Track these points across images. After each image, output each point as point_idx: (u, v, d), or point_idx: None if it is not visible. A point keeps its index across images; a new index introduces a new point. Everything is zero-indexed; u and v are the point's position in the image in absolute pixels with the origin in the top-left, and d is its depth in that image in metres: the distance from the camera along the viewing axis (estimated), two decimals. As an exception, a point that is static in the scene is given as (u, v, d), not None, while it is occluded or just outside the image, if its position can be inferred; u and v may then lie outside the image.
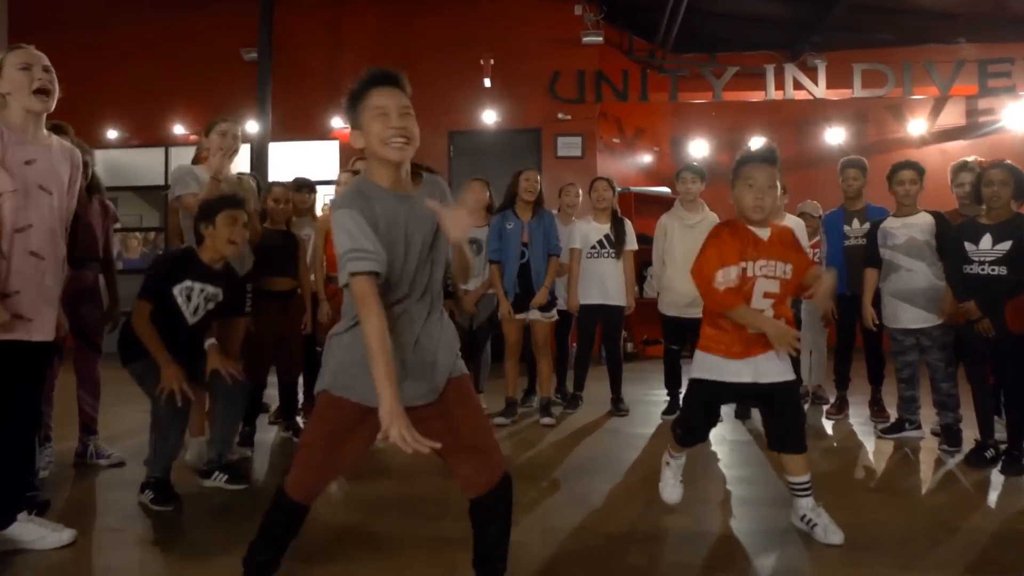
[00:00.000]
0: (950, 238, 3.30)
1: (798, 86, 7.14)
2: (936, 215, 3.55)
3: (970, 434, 3.38)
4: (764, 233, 2.31)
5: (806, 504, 2.37)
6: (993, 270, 3.08)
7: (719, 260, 2.25)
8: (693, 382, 2.42)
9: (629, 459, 3.42)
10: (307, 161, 7.52)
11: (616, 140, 8.11)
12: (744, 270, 2.25)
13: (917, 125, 7.66)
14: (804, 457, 2.35)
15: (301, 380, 3.96)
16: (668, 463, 2.58)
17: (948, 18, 7.16)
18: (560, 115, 7.27)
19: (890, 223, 3.66)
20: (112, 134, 7.96)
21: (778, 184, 2.33)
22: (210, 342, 2.91)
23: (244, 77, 7.45)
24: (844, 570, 2.15)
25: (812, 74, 7.18)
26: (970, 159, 3.84)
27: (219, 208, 2.80)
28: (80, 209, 2.66)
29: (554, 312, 4.25)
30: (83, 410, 3.25)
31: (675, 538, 2.41)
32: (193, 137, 7.69)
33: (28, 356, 2.26)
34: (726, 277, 2.24)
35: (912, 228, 3.57)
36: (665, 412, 4.33)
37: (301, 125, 7.53)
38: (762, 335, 2.24)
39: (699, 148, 8.23)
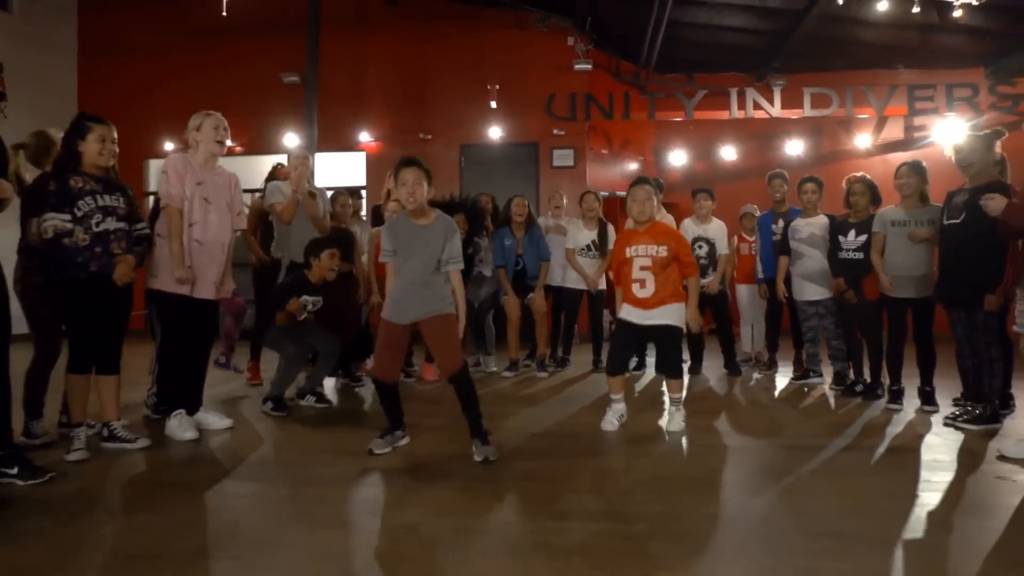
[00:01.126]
0: (830, 233, 4.55)
1: (757, 106, 8.39)
2: (830, 217, 4.79)
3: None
4: (640, 228, 3.62)
5: (672, 409, 3.66)
6: (856, 255, 4.33)
7: (617, 250, 3.71)
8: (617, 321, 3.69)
9: (597, 393, 4.68)
10: (340, 169, 8.80)
11: (604, 151, 9.36)
12: (626, 252, 3.61)
13: (863, 139, 8.91)
14: (678, 381, 3.63)
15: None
16: (609, 407, 3.71)
17: (886, 48, 8.39)
18: (555, 131, 8.52)
19: (797, 222, 4.91)
20: (169, 146, 9.20)
21: (654, 198, 3.66)
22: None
23: (283, 98, 8.71)
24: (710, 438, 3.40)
25: (770, 95, 8.43)
26: (859, 175, 5.08)
27: (325, 246, 4.15)
28: None
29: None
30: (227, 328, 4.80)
31: (620, 436, 3.65)
32: (239, 148, 8.95)
33: (197, 307, 3.51)
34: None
35: (813, 226, 4.82)
36: (634, 368, 5.60)
37: (334, 138, 8.77)
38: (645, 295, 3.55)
39: (678, 158, 9.48)
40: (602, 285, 5.73)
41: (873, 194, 4.35)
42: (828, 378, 4.97)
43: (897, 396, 4.11)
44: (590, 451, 3.25)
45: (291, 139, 8.57)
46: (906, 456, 3.13)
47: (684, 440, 3.43)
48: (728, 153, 9.37)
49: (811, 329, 4.94)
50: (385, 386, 3.16)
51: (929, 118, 8.52)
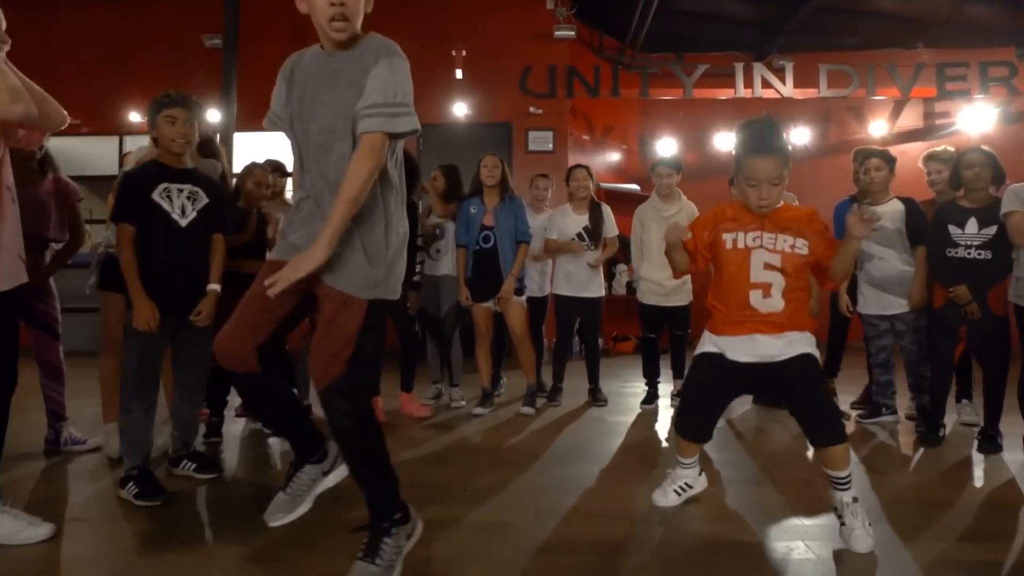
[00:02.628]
0: (933, 222, 3.33)
1: (766, 85, 7.25)
2: (906, 201, 3.60)
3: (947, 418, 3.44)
4: (765, 210, 2.20)
5: (839, 498, 2.14)
6: (980, 254, 3.13)
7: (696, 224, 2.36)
8: (696, 358, 2.34)
9: (614, 444, 3.38)
10: (273, 152, 7.30)
11: (586, 137, 8.11)
12: (735, 239, 2.23)
13: (878, 126, 7.87)
14: (842, 448, 2.10)
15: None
16: (669, 472, 2.49)
17: (907, 23, 7.38)
18: (532, 109, 7.23)
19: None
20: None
21: (784, 173, 2.16)
22: (212, 287, 2.75)
23: (206, 65, 7.20)
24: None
25: (780, 74, 7.31)
26: (939, 149, 3.90)
27: (157, 110, 2.63)
28: (29, 190, 2.47)
29: (523, 298, 4.17)
30: (49, 396, 3.13)
31: (662, 518, 2.36)
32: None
33: None
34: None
35: (883, 217, 3.61)
36: (644, 401, 4.29)
37: (262, 115, 7.30)
38: (756, 313, 2.18)
39: (667, 146, 8.30)
40: (599, 292, 4.43)
41: (996, 168, 3.15)
42: (902, 413, 3.80)
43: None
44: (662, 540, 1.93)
45: (212, 115, 7.07)
46: None
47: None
48: (723, 142, 8.24)
49: (882, 350, 3.74)
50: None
51: (953, 104, 7.53)
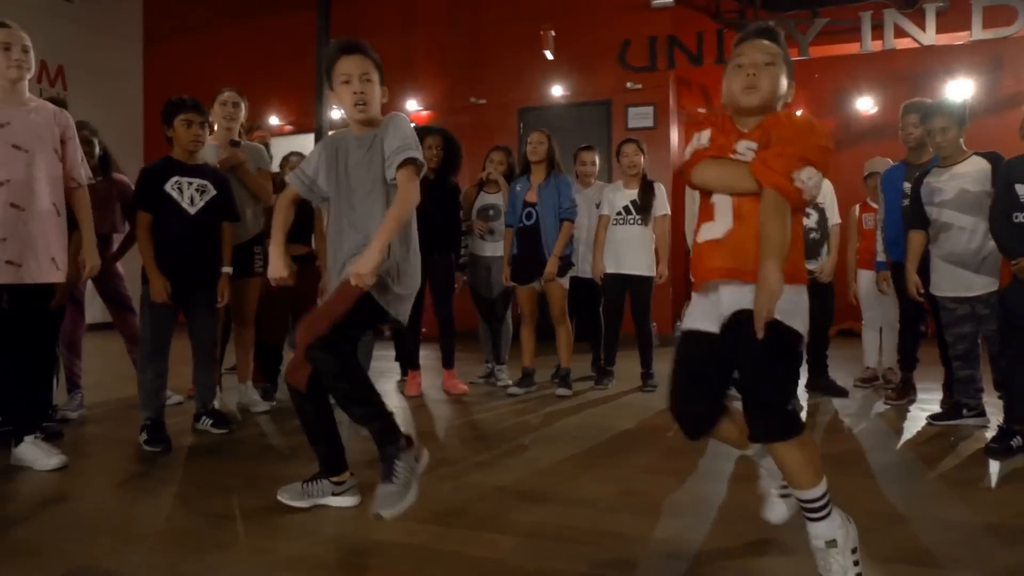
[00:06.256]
0: (999, 182, 2.74)
1: (902, 33, 6.27)
2: (991, 157, 2.97)
3: None
4: (748, 125, 1.65)
5: (811, 534, 1.55)
6: (1054, 219, 2.52)
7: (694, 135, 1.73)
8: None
9: (646, 432, 3.22)
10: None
11: (702, 110, 7.61)
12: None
13: (1066, 69, 6.46)
14: (788, 448, 1.50)
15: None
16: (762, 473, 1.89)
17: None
18: (630, 84, 6.95)
19: (935, 176, 3.12)
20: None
21: (783, 65, 1.64)
22: (225, 269, 3.12)
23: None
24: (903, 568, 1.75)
25: (921, 20, 6.27)
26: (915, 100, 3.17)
27: (175, 112, 2.96)
28: (93, 188, 2.92)
29: (566, 278, 4.08)
30: (135, 360, 3.54)
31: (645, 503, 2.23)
32: (288, 128, 8.28)
33: (26, 298, 2.55)
34: (698, 141, 1.68)
35: (962, 178, 3.02)
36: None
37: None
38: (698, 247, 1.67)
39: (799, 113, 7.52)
40: (650, 271, 4.20)
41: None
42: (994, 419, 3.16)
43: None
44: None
45: (335, 113, 7.71)
46: None
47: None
48: (861, 104, 7.28)
49: (963, 339, 3.15)
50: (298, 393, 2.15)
51: None
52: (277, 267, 2.16)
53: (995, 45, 6.47)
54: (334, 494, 2.18)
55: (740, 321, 1.53)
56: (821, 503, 1.52)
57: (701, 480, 2.48)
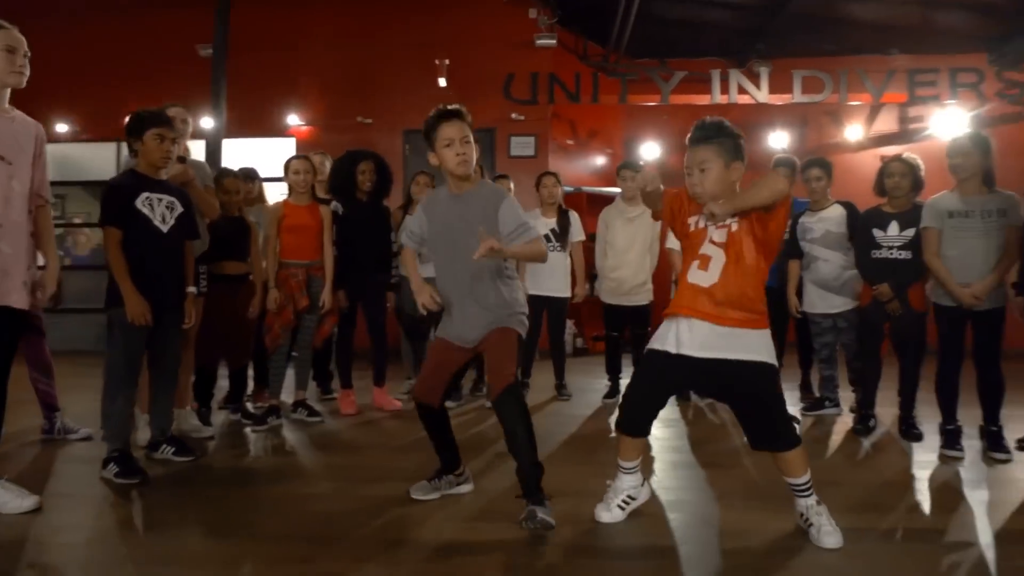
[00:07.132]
0: (859, 226, 3.56)
1: (742, 91, 7.46)
2: (847, 205, 3.81)
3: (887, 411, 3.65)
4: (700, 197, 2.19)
5: (803, 504, 2.16)
6: (900, 255, 3.35)
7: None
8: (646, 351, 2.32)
9: (564, 433, 3.60)
10: (262, 158, 7.54)
11: (570, 142, 8.33)
12: (696, 221, 2.19)
13: (854, 131, 8.06)
14: (794, 454, 2.10)
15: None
16: (609, 484, 2.37)
17: (881, 30, 7.57)
18: (514, 115, 7.46)
19: (807, 219, 3.92)
20: (62, 128, 7.88)
21: (718, 162, 2.17)
22: (190, 289, 3.00)
23: (200, 73, 7.46)
24: (745, 515, 2.36)
25: (756, 80, 7.51)
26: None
27: (147, 126, 2.86)
28: None
29: None
30: (39, 390, 3.38)
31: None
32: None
33: None
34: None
35: (827, 221, 3.83)
36: (606, 396, 4.52)
37: (256, 122, 7.56)
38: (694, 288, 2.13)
39: (651, 150, 8.50)
40: (566, 292, 4.66)
41: (915, 177, 3.37)
42: (846, 407, 4.00)
43: (954, 438, 3.14)
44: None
45: (207, 122, 7.33)
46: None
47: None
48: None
49: (826, 347, 3.95)
50: (426, 408, 2.47)
51: (927, 108, 7.70)
52: (427, 298, 2.43)
53: (805, 108, 7.91)
54: (457, 484, 2.57)
55: (741, 377, 2.10)
56: (807, 485, 2.17)
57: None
